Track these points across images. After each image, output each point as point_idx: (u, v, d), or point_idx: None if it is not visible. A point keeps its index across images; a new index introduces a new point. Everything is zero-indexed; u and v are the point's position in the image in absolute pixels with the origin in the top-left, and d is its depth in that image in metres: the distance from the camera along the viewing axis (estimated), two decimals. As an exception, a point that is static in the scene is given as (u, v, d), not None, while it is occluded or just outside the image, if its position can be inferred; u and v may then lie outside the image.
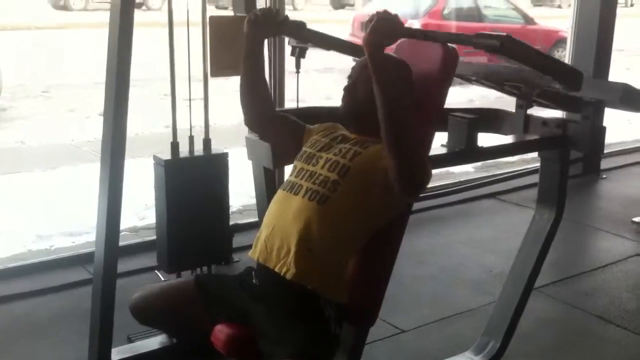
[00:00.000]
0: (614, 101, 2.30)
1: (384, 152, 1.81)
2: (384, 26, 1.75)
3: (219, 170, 3.00)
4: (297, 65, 2.32)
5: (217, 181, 3.00)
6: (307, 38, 2.27)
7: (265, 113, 2.16)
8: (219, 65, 2.55)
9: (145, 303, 2.08)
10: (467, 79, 2.49)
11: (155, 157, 2.88)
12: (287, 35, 2.30)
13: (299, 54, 2.36)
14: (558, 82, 2.12)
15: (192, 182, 2.86)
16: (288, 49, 2.50)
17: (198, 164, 2.97)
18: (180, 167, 2.86)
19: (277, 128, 2.17)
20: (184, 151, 2.98)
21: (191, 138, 2.96)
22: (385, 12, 1.77)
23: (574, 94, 2.26)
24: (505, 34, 1.79)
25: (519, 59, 1.91)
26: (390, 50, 2.13)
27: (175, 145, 2.89)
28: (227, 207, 3.12)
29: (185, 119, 2.98)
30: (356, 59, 2.39)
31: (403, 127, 1.77)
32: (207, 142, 3.02)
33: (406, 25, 1.85)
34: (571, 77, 2.08)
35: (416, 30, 1.95)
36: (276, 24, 2.09)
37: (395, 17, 1.78)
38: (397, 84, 1.80)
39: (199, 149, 3.07)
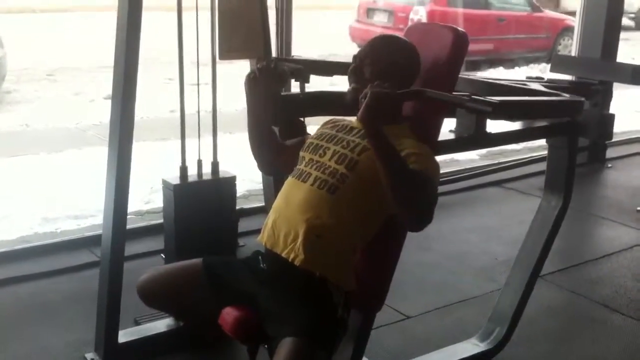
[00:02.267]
0: (626, 79, 2.30)
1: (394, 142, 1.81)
2: (377, 100, 1.72)
3: (226, 193, 3.03)
4: (302, 90, 2.32)
5: (225, 204, 3.03)
6: (309, 76, 2.27)
7: (276, 157, 2.17)
8: (228, 48, 2.54)
9: (153, 285, 2.08)
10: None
11: (164, 182, 2.91)
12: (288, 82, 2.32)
13: (303, 79, 2.35)
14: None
15: (201, 205, 2.89)
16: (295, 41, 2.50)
17: (206, 188, 3.00)
18: (189, 191, 2.89)
19: (287, 158, 2.15)
20: (192, 175, 3.00)
21: (199, 162, 2.99)
22: (378, 85, 1.74)
23: (584, 80, 2.27)
24: (497, 100, 1.80)
25: (515, 119, 1.95)
26: (400, 33, 2.12)
27: (184, 170, 2.91)
28: (236, 230, 3.15)
29: (192, 104, 2.97)
30: (360, 44, 2.39)
31: (410, 190, 1.76)
32: (215, 166, 3.04)
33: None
34: (572, 108, 2.11)
35: (411, 91, 1.94)
36: (276, 78, 2.09)
37: (389, 87, 1.75)
38: (399, 155, 1.77)
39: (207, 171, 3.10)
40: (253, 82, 2.07)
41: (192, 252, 2.90)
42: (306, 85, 2.36)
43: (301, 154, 2.04)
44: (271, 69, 2.07)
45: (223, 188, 3.03)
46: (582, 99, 2.16)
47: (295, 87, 2.46)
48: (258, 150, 2.17)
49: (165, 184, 2.91)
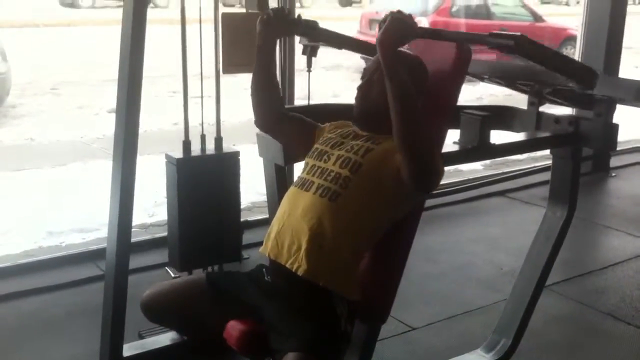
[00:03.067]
0: (628, 99, 2.28)
1: (396, 150, 1.81)
2: (398, 26, 1.76)
3: (230, 168, 3.00)
4: (309, 64, 2.32)
5: (229, 179, 3.00)
6: (319, 37, 2.27)
7: (276, 112, 2.16)
8: (231, 62, 2.55)
9: (156, 301, 2.08)
10: (479, 77, 2.48)
11: (167, 156, 2.90)
12: (299, 35, 2.30)
13: (310, 52, 2.36)
14: (572, 81, 2.11)
15: (204, 180, 2.87)
16: (299, 47, 2.50)
17: (210, 163, 2.97)
18: (192, 165, 2.86)
19: (288, 128, 2.17)
20: (195, 150, 2.98)
21: (203, 136, 2.96)
22: (399, 12, 1.77)
23: (587, 92, 2.26)
24: (519, 33, 1.79)
25: (534, 59, 1.91)
26: (404, 47, 2.12)
27: (187, 144, 2.89)
28: (239, 205, 3.12)
29: (196, 116, 2.98)
30: (366, 57, 2.39)
31: (415, 124, 1.77)
32: (218, 141, 3.02)
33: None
34: (586, 76, 2.07)
35: (430, 30, 1.95)
36: (288, 24, 2.11)
37: (409, 17, 1.78)
38: (409, 82, 1.79)
39: (210, 148, 3.07)
40: (266, 24, 2.06)
41: (196, 229, 2.92)
42: (310, 98, 2.37)
43: (306, 159, 2.05)
44: (285, 14, 2.08)
45: (227, 162, 3.00)
46: (596, 71, 2.12)
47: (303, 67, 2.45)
48: (258, 99, 2.14)
49: (168, 158, 2.89)
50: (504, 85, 2.48)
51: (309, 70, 2.37)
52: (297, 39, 2.85)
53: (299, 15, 2.17)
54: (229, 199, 3.04)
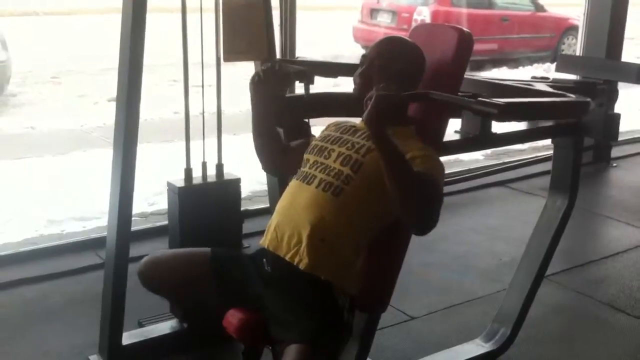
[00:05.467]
0: (631, 78, 2.30)
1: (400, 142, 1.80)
2: (383, 104, 1.70)
3: (231, 195, 3.03)
4: (307, 91, 2.31)
5: (230, 206, 3.03)
6: (312, 77, 2.26)
7: (280, 158, 2.18)
8: (232, 50, 2.54)
9: (156, 272, 2.03)
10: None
11: (169, 184, 2.93)
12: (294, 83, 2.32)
13: (308, 80, 2.34)
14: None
15: (205, 208, 2.90)
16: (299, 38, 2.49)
17: (211, 190, 3.00)
18: (194, 193, 2.90)
19: (293, 158, 2.15)
20: (197, 177, 3.00)
21: (204, 164, 2.99)
22: (384, 88, 1.72)
23: (589, 79, 2.26)
24: (503, 102, 1.80)
25: (522, 119, 1.93)
26: (405, 34, 2.12)
27: (188, 172, 2.92)
28: (241, 232, 3.16)
29: (196, 105, 2.97)
30: (365, 45, 2.38)
31: (414, 198, 1.75)
32: (219, 168, 3.04)
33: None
34: (578, 109, 2.10)
35: (418, 94, 1.94)
36: (280, 80, 2.10)
37: (395, 91, 1.73)
38: (404, 157, 1.76)
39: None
40: (257, 85, 2.07)
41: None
42: (310, 86, 2.35)
43: (305, 156, 2.04)
44: (275, 71, 2.07)
45: (228, 190, 3.03)
46: (589, 99, 2.15)
47: (299, 88, 2.45)
48: (262, 151, 2.17)
49: (170, 187, 2.92)
50: None
51: (306, 96, 2.34)
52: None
53: (288, 70, 2.16)
54: (230, 225, 3.06)
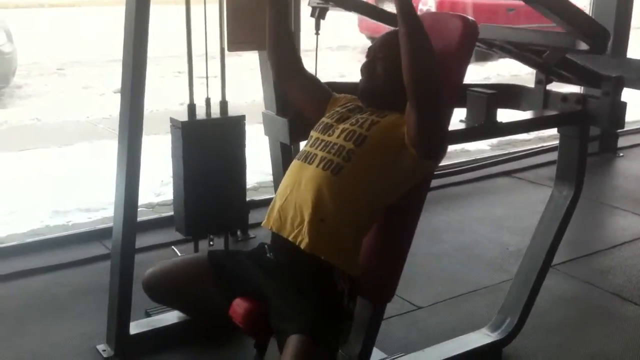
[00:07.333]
0: (635, 80, 2.27)
1: (403, 118, 1.84)
2: None
3: (235, 132, 2.99)
4: (317, 26, 2.28)
5: (234, 144, 2.99)
6: (325, 12, 2.25)
7: (293, 65, 2.18)
8: (236, 39, 2.53)
9: (158, 281, 2.09)
10: (488, 45, 2.43)
11: (172, 120, 2.89)
12: None
13: (319, 14, 2.32)
14: (583, 40, 2.06)
15: (209, 144, 2.86)
16: (305, 26, 2.48)
17: (215, 126, 2.96)
18: (197, 129, 2.86)
19: (305, 84, 2.17)
20: (200, 114, 2.97)
21: (208, 100, 2.94)
22: None
23: (594, 70, 2.24)
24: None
25: (547, 4, 1.88)
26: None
27: (192, 107, 2.88)
28: (244, 170, 3.10)
29: (201, 96, 2.97)
30: (371, 37, 2.38)
31: (428, 74, 1.76)
32: (223, 105, 3.01)
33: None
34: (597, 33, 2.04)
35: None
36: None
37: None
38: (423, 28, 1.77)
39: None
40: None
41: (201, 193, 2.92)
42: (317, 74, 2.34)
43: (311, 132, 2.05)
44: None
45: (232, 126, 2.99)
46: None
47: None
48: (275, 49, 2.16)
49: (173, 122, 2.88)
50: (513, 54, 2.43)
51: (317, 33, 2.32)
52: (305, 1, 2.82)
53: None
54: (235, 163, 3.02)
